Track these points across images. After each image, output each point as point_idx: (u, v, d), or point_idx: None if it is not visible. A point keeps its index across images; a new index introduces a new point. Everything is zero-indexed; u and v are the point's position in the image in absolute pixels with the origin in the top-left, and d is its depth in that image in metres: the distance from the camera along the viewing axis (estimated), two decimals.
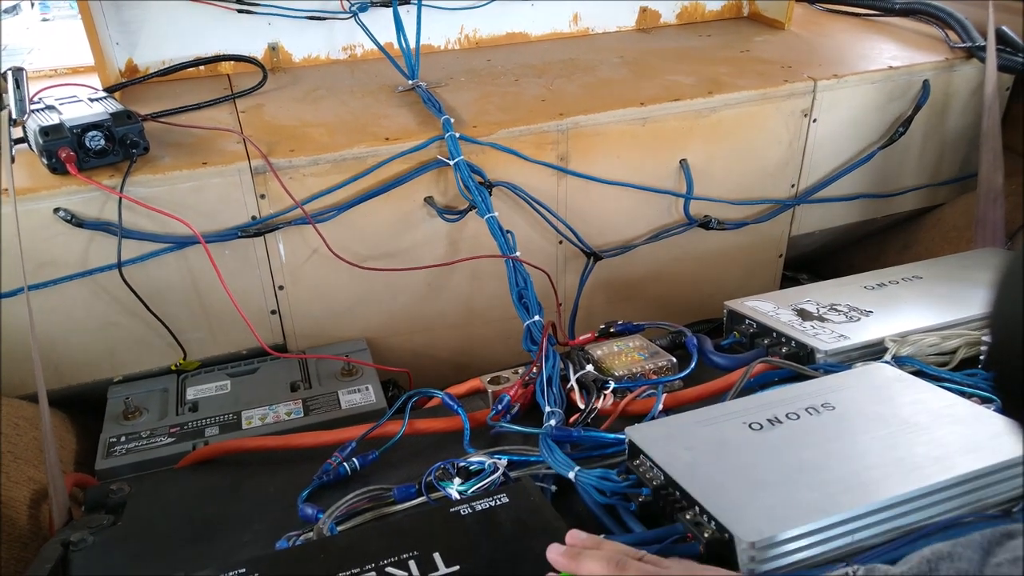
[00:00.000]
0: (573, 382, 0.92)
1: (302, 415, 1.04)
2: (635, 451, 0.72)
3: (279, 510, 0.78)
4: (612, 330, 1.07)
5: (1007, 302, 0.40)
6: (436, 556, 0.58)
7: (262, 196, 1.07)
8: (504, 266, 1.10)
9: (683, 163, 1.27)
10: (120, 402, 1.06)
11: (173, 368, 1.14)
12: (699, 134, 1.27)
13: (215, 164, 1.04)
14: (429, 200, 1.16)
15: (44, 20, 2.67)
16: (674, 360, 0.95)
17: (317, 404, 1.07)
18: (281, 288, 1.15)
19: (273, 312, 1.16)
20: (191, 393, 1.10)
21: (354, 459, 0.82)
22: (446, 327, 1.30)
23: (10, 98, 0.86)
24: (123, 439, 1.00)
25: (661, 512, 0.66)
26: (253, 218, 1.08)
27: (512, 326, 1.32)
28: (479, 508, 0.64)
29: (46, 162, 0.98)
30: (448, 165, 1.12)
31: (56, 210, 0.98)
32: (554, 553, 0.56)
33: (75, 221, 0.99)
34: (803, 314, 0.99)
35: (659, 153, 1.26)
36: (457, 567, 0.57)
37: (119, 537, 0.76)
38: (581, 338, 1.07)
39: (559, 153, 1.20)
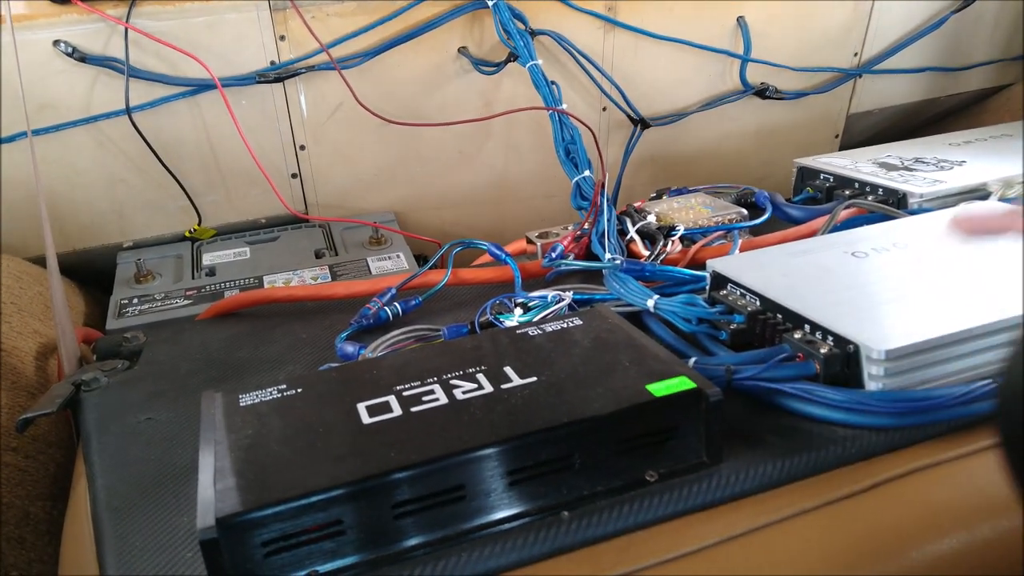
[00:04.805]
0: (633, 233, 0.83)
1: (329, 280, 0.96)
2: (720, 282, 0.63)
3: (314, 352, 0.69)
4: (666, 197, 0.97)
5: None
6: (507, 370, 0.50)
7: (282, 38, 0.97)
8: (543, 138, 0.99)
9: (740, 21, 1.16)
10: (131, 265, 0.97)
11: (187, 235, 1.05)
12: None
13: None
14: (463, 51, 1.05)
15: None
16: (745, 212, 0.86)
17: (345, 270, 0.98)
18: (302, 148, 1.05)
19: (294, 176, 1.07)
20: (207, 259, 1.01)
21: (396, 303, 0.74)
22: (477, 203, 1.20)
23: None
24: (135, 301, 0.92)
25: (756, 338, 0.57)
26: (272, 63, 0.97)
27: (549, 205, 1.23)
28: (549, 330, 0.56)
29: None
30: (486, 7, 1.01)
31: (56, 42, 0.88)
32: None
33: (77, 55, 0.89)
34: (886, 166, 0.89)
35: (715, 8, 1.14)
36: (535, 378, 0.48)
37: (135, 378, 0.68)
38: (636, 204, 0.97)
39: (607, 2, 1.08)
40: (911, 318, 0.51)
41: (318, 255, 1.02)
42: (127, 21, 0.88)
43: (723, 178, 1.30)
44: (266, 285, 0.94)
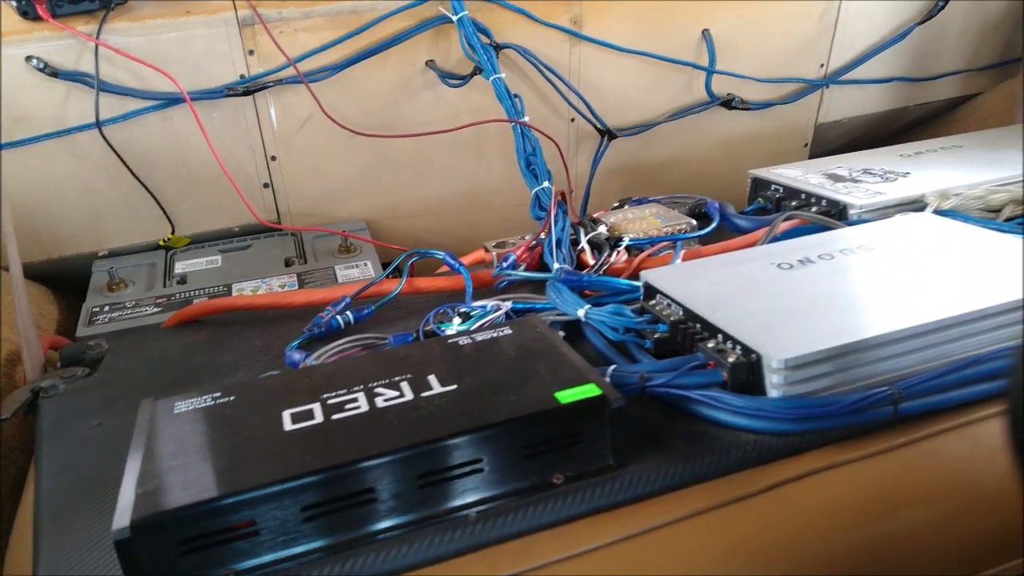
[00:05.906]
0: (584, 243, 0.85)
1: (296, 288, 0.98)
2: (651, 292, 0.66)
3: (267, 360, 0.72)
4: (627, 206, 1.00)
5: None
6: (431, 378, 0.52)
7: (251, 52, 0.99)
8: (512, 149, 1.02)
9: (706, 33, 1.18)
10: (104, 274, 1.00)
11: (161, 243, 1.08)
12: (724, 1, 1.17)
13: (199, 13, 0.96)
14: (431, 64, 1.07)
15: None
16: (694, 222, 0.88)
17: (312, 278, 1.00)
18: (274, 159, 1.08)
19: (266, 186, 1.10)
20: (179, 267, 1.04)
21: (348, 312, 0.77)
22: (449, 212, 1.23)
23: None
24: (106, 309, 0.94)
25: (679, 347, 0.60)
26: (242, 76, 1.00)
27: (519, 214, 1.25)
28: (479, 339, 0.58)
29: (15, 5, 0.90)
30: (451, 22, 1.03)
31: (28, 58, 0.91)
32: None
33: (49, 70, 0.92)
34: (834, 177, 0.91)
35: (680, 21, 1.17)
36: (455, 386, 0.51)
37: (93, 385, 0.70)
38: (594, 214, 1.00)
39: (572, 16, 1.11)
40: (814, 328, 0.54)
41: (288, 263, 1.04)
42: (98, 37, 0.91)
43: (693, 188, 1.32)
44: (234, 293, 0.97)
